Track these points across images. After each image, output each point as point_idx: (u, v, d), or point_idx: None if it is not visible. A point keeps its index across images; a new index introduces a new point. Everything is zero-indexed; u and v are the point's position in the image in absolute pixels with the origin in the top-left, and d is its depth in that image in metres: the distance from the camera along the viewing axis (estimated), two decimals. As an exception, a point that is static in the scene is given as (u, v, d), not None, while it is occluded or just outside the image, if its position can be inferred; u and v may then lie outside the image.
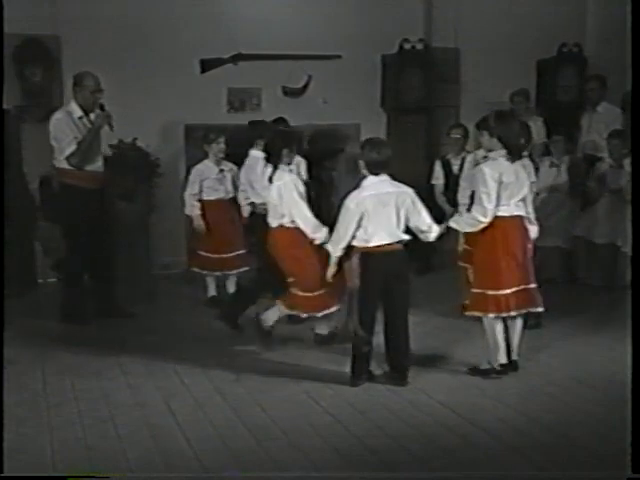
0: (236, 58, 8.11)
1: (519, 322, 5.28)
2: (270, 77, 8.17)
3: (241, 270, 6.93)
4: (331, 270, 5.19)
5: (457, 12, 8.64)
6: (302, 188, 5.53)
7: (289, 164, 5.66)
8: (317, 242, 5.41)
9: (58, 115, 6.24)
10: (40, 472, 3.95)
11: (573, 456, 4.16)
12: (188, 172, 7.16)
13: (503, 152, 5.12)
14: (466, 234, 5.57)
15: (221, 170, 6.89)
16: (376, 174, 4.97)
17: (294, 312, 5.68)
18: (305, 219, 5.45)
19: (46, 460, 4.08)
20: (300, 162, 6.94)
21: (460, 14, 8.63)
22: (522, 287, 5.15)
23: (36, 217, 7.20)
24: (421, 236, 5.11)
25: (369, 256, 4.97)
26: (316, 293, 5.47)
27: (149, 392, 5.02)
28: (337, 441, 4.30)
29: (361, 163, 5.01)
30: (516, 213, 5.18)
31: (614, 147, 7.51)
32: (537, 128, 7.87)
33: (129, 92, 7.49)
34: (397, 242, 4.99)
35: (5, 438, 3.84)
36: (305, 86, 8.44)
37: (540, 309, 5.31)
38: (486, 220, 5.07)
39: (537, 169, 7.11)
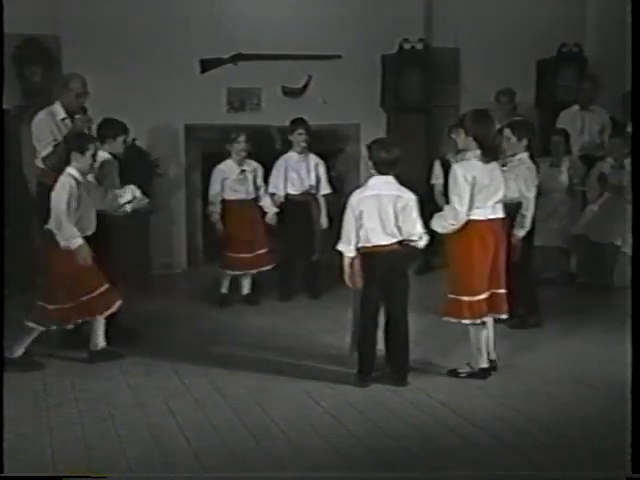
0: (236, 58, 8.09)
1: (489, 322, 5.24)
2: (270, 77, 8.16)
3: (262, 269, 6.97)
4: (346, 271, 5.06)
5: (457, 12, 8.62)
6: (75, 192, 5.30)
7: (81, 169, 5.40)
8: (62, 243, 5.25)
9: (41, 115, 6.17)
10: (40, 472, 3.95)
11: (573, 456, 4.17)
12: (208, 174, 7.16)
13: (478, 152, 5.01)
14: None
15: (242, 170, 6.89)
16: (385, 173, 4.96)
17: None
18: (55, 220, 5.27)
19: (46, 460, 4.08)
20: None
21: (460, 14, 8.62)
22: (492, 292, 5.12)
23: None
24: (411, 243, 5.06)
25: (370, 256, 4.97)
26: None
27: (149, 392, 5.02)
28: (337, 441, 4.31)
29: (369, 163, 5.02)
30: (492, 216, 5.08)
31: (615, 147, 7.51)
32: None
33: (129, 92, 7.48)
34: (397, 243, 4.99)
35: (5, 438, 3.85)
36: (305, 86, 8.43)
37: (504, 316, 5.26)
38: (456, 223, 5.00)
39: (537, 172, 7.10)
